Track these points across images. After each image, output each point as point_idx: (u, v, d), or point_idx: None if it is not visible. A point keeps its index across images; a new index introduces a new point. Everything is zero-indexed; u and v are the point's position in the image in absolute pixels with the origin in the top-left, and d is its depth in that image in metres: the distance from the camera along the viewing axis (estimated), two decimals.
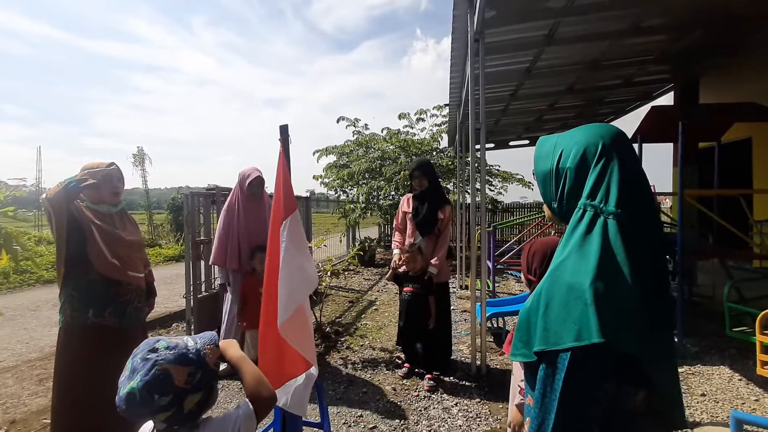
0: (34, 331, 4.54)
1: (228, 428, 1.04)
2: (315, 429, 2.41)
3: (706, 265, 5.01)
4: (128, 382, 0.95)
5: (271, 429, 2.36)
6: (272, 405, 1.14)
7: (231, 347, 1.16)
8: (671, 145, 6.06)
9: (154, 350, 0.99)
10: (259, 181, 3.10)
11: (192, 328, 4.00)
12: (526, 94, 6.20)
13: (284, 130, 2.06)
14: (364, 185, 9.20)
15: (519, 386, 1.39)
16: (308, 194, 7.40)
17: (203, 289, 4.23)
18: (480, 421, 2.59)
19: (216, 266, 3.30)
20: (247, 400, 1.08)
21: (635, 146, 4.37)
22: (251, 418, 1.06)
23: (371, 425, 2.54)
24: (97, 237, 2.11)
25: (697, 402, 2.74)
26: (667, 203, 9.83)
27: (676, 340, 3.51)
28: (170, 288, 6.45)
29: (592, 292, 0.78)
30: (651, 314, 0.79)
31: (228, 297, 3.24)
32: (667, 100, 6.69)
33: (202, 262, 4.29)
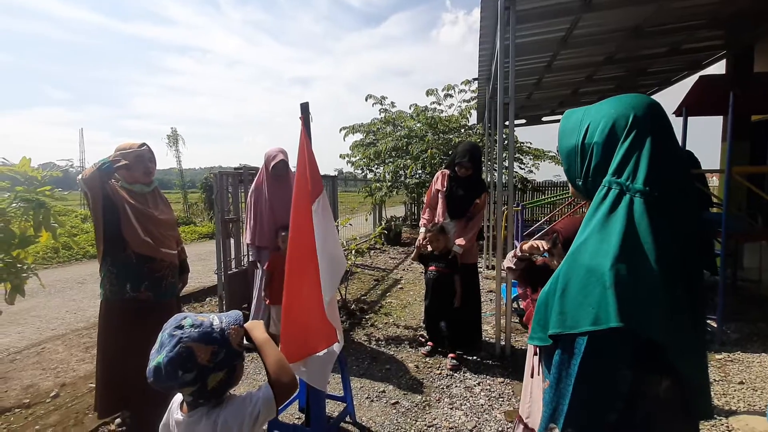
0: (81, 302, 4.88)
1: (247, 409, 1.07)
2: (338, 402, 2.49)
3: (754, 248, 4.69)
4: (156, 355, 1.00)
5: (296, 400, 2.47)
6: (292, 391, 1.15)
7: (256, 329, 1.18)
8: (720, 118, 5.61)
9: (180, 327, 1.03)
10: (284, 164, 3.12)
11: (224, 302, 4.18)
12: (561, 66, 5.86)
13: (305, 108, 2.03)
14: (390, 164, 9.13)
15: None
16: (336, 173, 7.44)
17: (233, 265, 4.38)
18: (502, 400, 2.58)
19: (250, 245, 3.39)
20: (268, 383, 1.10)
21: (680, 120, 4.07)
22: (270, 401, 1.08)
23: (393, 400, 2.59)
24: (131, 215, 2.20)
25: (735, 390, 2.61)
26: (714, 181, 9.21)
27: (714, 325, 3.34)
28: (204, 264, 6.73)
29: (612, 274, 0.73)
30: (679, 300, 0.74)
31: (259, 273, 3.34)
32: (718, 69, 6.16)
33: (232, 240, 4.43)
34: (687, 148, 4.16)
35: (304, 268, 1.80)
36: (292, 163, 3.21)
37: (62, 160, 2.18)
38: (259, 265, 3.29)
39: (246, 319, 1.31)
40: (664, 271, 0.73)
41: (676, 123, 4.18)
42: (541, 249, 1.50)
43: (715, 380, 2.73)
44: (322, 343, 1.82)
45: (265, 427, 1.25)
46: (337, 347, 1.89)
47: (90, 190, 2.07)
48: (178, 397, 1.17)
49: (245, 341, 1.14)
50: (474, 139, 9.25)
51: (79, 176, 2.06)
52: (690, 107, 3.99)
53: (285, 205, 3.09)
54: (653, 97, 5.98)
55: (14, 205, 1.62)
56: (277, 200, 3.12)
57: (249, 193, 3.28)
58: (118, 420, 2.37)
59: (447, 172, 3.29)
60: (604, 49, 5.21)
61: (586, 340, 0.76)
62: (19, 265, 1.63)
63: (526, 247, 1.61)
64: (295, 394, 2.48)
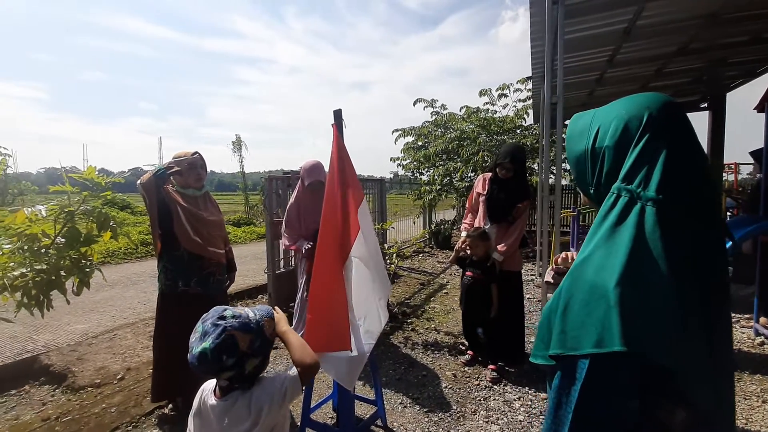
0: (152, 294, 5.33)
1: (276, 387, 1.18)
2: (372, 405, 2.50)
3: None
4: (200, 343, 1.10)
5: (330, 400, 2.52)
6: (315, 370, 1.26)
7: (281, 321, 1.30)
8: None
9: (222, 317, 1.15)
10: (319, 184, 3.07)
11: (272, 300, 4.39)
12: (626, 59, 5.41)
13: (338, 114, 2.08)
14: (440, 167, 9.03)
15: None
16: (391, 176, 7.50)
17: (281, 265, 4.59)
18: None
19: (291, 249, 3.43)
20: (294, 366, 1.21)
21: (762, 116, 3.58)
22: (296, 381, 1.19)
23: (426, 409, 2.54)
24: (182, 217, 2.39)
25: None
26: None
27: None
28: (259, 263, 7.11)
29: (617, 292, 0.66)
30: (694, 321, 0.65)
31: (302, 278, 3.41)
32: None
33: (281, 242, 4.64)
34: None
35: (332, 270, 1.83)
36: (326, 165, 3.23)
37: (147, 165, 2.46)
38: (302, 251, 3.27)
39: (290, 317, 1.43)
40: (676, 289, 0.65)
41: (756, 120, 3.68)
42: (570, 260, 1.40)
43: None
44: (335, 345, 1.78)
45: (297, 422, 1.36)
46: (368, 349, 1.89)
47: (147, 194, 2.28)
48: (207, 386, 1.27)
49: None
50: (530, 140, 8.85)
51: (138, 181, 2.28)
52: None
53: (316, 212, 3.11)
54: (738, 89, 5.32)
55: (82, 207, 1.84)
56: (311, 208, 3.13)
57: (290, 202, 3.31)
58: (171, 405, 2.57)
59: (489, 175, 3.18)
60: (676, 39, 4.73)
61: (588, 364, 0.70)
62: (84, 261, 1.84)
63: (559, 260, 1.51)
64: (330, 394, 2.54)
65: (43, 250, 1.76)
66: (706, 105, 7.78)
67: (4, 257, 1.69)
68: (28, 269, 1.69)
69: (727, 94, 7.24)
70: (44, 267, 1.73)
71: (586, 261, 0.73)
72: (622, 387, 0.67)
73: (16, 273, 1.67)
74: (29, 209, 1.75)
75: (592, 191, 0.82)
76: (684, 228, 0.66)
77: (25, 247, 1.74)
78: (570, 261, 1.44)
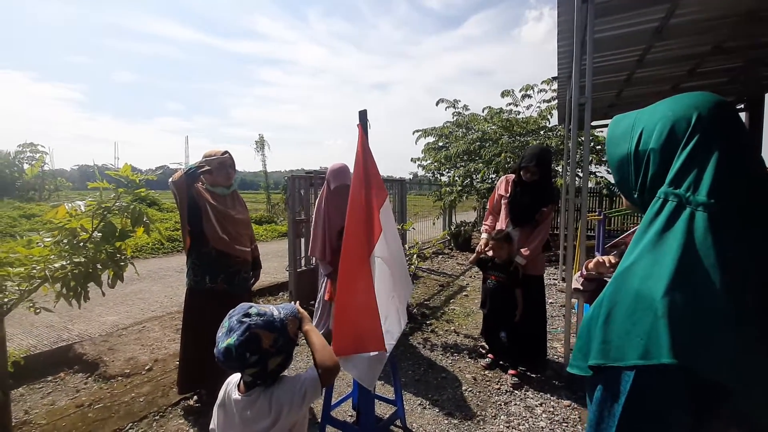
0: (178, 288, 5.53)
1: (297, 387, 1.19)
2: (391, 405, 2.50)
3: None
4: (226, 338, 1.13)
5: (350, 398, 2.53)
6: (335, 373, 1.26)
7: (305, 320, 1.32)
8: None
9: (247, 315, 1.16)
10: (345, 188, 3.04)
11: (293, 298, 4.45)
12: (657, 59, 5.23)
13: (363, 115, 2.09)
14: (461, 167, 8.96)
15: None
16: (410, 177, 7.49)
17: (303, 263, 4.65)
18: (566, 426, 2.38)
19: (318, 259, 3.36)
20: (314, 366, 1.23)
21: None
22: (316, 382, 1.21)
23: (446, 411, 2.53)
24: (211, 215, 2.45)
25: None
26: None
27: None
28: (281, 261, 7.20)
29: (666, 302, 0.64)
30: (753, 335, 0.62)
31: (323, 279, 3.42)
32: None
33: (302, 240, 4.70)
34: None
35: (359, 269, 1.84)
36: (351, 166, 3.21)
37: (174, 163, 2.52)
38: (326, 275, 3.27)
39: (310, 314, 1.44)
40: (730, 300, 0.62)
41: None
42: (607, 265, 1.36)
43: None
44: (370, 345, 1.83)
45: (316, 417, 1.38)
46: (388, 348, 1.90)
47: (178, 192, 2.34)
48: (232, 379, 1.30)
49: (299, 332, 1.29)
50: (554, 141, 8.69)
51: (170, 179, 2.35)
52: None
53: (342, 211, 3.09)
54: None
55: (117, 204, 1.91)
56: (334, 210, 3.12)
57: (315, 208, 3.29)
58: (196, 397, 2.64)
59: (511, 177, 3.14)
60: (711, 38, 4.55)
61: (633, 377, 0.67)
62: (119, 255, 1.91)
63: (591, 265, 1.47)
64: (349, 393, 2.55)
65: (81, 244, 1.83)
66: (742, 106, 7.49)
67: (46, 250, 1.78)
68: (68, 262, 1.77)
69: (766, 95, 6.94)
70: (82, 260, 1.80)
71: (630, 269, 0.71)
72: (670, 402, 0.65)
73: (56, 265, 1.74)
74: (69, 205, 1.83)
75: (635, 196, 0.79)
76: (738, 234, 0.64)
77: (65, 241, 1.82)
78: (606, 266, 1.40)
